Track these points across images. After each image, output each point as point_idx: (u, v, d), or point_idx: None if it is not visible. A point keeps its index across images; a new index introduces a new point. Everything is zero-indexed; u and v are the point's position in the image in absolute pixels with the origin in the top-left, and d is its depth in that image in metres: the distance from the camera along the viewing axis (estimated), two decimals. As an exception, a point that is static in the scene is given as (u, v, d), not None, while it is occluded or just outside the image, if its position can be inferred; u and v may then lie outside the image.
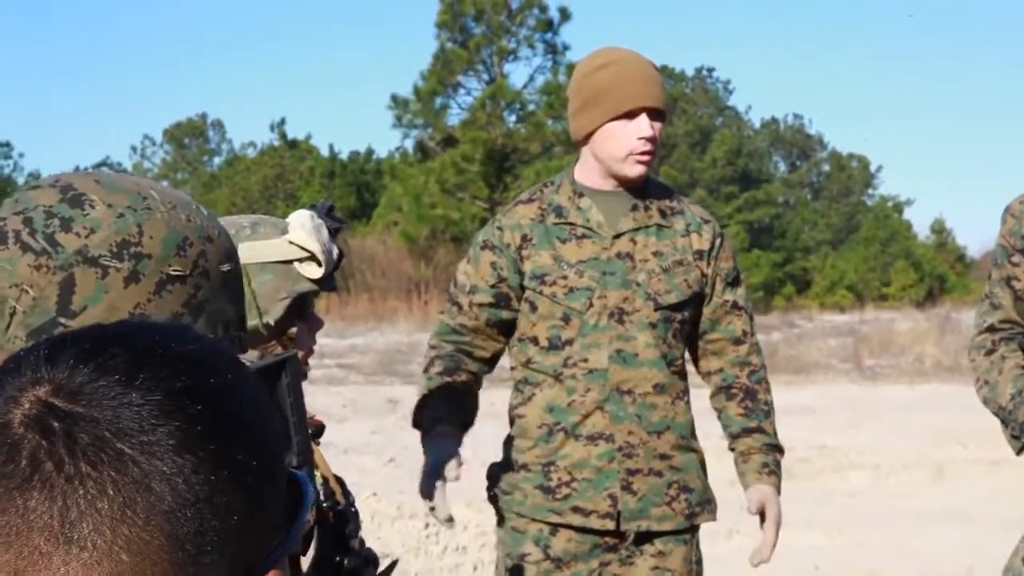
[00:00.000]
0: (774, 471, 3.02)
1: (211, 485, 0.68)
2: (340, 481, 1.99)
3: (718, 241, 3.05)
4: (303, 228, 2.04)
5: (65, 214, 1.14)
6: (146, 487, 0.66)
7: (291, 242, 2.04)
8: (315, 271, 2.04)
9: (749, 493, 3.00)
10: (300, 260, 2.04)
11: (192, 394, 0.70)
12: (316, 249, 2.03)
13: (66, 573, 0.65)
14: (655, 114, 2.91)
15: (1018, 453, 2.89)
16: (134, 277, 1.14)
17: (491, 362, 3.08)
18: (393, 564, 1.91)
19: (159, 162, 49.34)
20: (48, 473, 0.65)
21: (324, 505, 1.66)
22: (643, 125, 2.89)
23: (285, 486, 0.77)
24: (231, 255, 1.24)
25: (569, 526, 2.91)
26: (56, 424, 0.67)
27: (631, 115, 2.89)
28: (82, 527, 0.65)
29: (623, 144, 2.90)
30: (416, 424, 2.99)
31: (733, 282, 3.07)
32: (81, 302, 1.13)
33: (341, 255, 2.12)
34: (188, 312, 1.18)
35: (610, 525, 2.90)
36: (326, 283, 2.08)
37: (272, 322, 2.03)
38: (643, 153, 2.90)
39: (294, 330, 2.08)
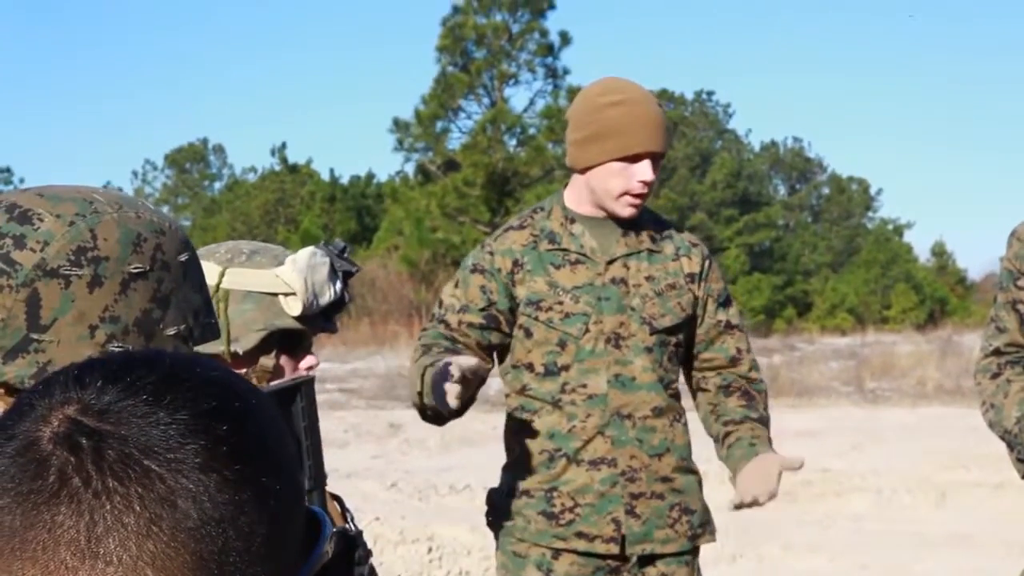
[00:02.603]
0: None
1: (235, 505, 0.68)
2: (338, 499, 1.98)
3: (707, 263, 3.09)
4: (294, 264, 2.02)
5: (16, 232, 1.15)
6: (172, 503, 0.66)
7: (277, 276, 2.03)
8: (297, 308, 2.03)
9: (763, 459, 2.93)
10: (285, 295, 2.03)
11: (218, 415, 0.70)
12: (298, 286, 2.00)
13: None
14: (656, 157, 2.94)
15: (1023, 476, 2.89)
16: (97, 281, 1.15)
17: None
18: None
19: (160, 187, 49.44)
20: (76, 488, 0.66)
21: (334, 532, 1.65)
22: (645, 170, 2.91)
23: (304, 516, 0.78)
24: (186, 244, 1.25)
25: (573, 551, 2.92)
26: (84, 441, 0.67)
27: (635, 157, 2.91)
28: (108, 542, 0.65)
29: (621, 184, 2.92)
30: (419, 399, 2.77)
31: (725, 302, 3.10)
32: (50, 315, 1.14)
33: (342, 299, 2.10)
34: (156, 306, 1.19)
35: (614, 549, 2.91)
36: (314, 323, 2.06)
37: (241, 351, 2.01)
38: (638, 195, 2.93)
39: (269, 363, 2.06)
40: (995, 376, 2.95)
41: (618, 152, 2.90)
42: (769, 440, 3.02)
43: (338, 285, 2.08)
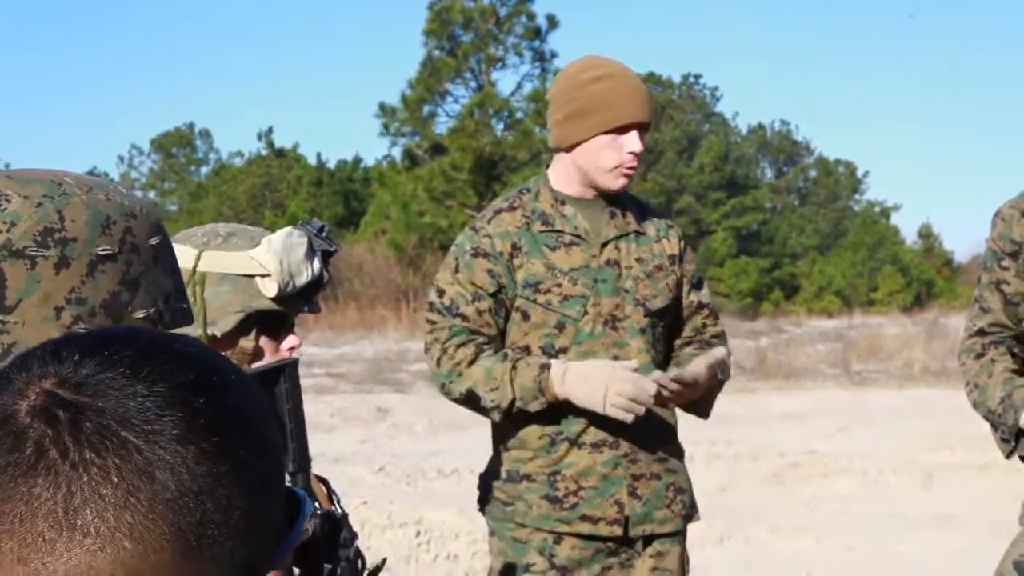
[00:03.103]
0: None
1: (213, 477, 0.68)
2: (324, 481, 1.97)
3: (682, 244, 3.13)
4: (270, 244, 2.01)
5: None
6: (149, 475, 0.66)
7: (252, 257, 2.02)
8: (273, 289, 2.02)
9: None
10: (262, 276, 2.02)
11: (195, 388, 0.70)
12: (272, 268, 1.99)
13: (69, 559, 0.65)
14: (643, 128, 2.94)
15: (1007, 456, 2.90)
16: (64, 263, 1.15)
17: None
18: (383, 562, 1.90)
19: (146, 172, 49.23)
20: (53, 460, 0.66)
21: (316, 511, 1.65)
22: (634, 140, 2.91)
23: (284, 492, 0.78)
24: (158, 228, 1.24)
25: (577, 534, 2.92)
26: (61, 413, 0.67)
27: (623, 129, 2.91)
28: (85, 513, 0.65)
29: (612, 157, 2.92)
30: (509, 405, 2.88)
31: (697, 284, 3.15)
32: (15, 295, 1.14)
33: (321, 277, 2.07)
34: (125, 288, 1.19)
35: (618, 531, 2.92)
36: (292, 303, 2.04)
37: (219, 334, 2.01)
38: (629, 167, 2.94)
39: (249, 344, 2.05)
40: (979, 356, 2.96)
41: (606, 125, 2.90)
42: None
43: (317, 265, 2.07)
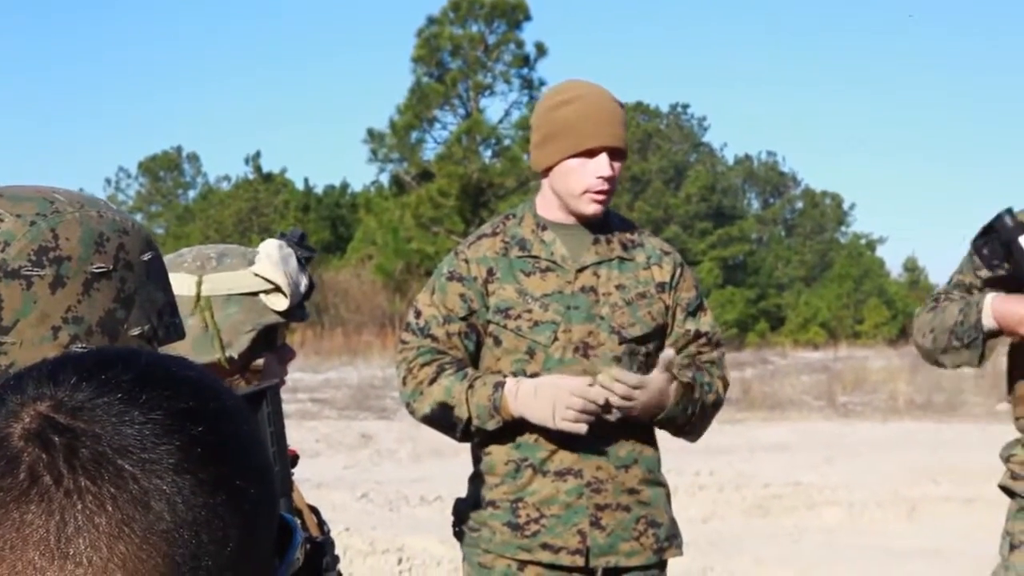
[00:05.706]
0: (689, 382, 2.92)
1: (209, 508, 0.67)
2: (315, 511, 1.97)
3: (678, 271, 3.06)
4: (269, 259, 2.01)
5: None
6: (145, 504, 0.65)
7: (256, 274, 2.02)
8: (282, 303, 2.01)
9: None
10: (266, 292, 2.03)
11: (193, 415, 0.69)
12: (281, 281, 2.00)
13: None
14: (615, 153, 2.93)
15: (979, 363, 2.94)
16: (59, 282, 1.14)
17: None
18: None
19: (133, 195, 49.20)
20: (47, 486, 0.65)
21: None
22: (603, 164, 2.90)
23: (277, 521, 0.76)
24: (149, 243, 1.23)
25: (538, 563, 2.90)
26: (57, 438, 0.66)
27: (591, 153, 2.90)
28: (78, 542, 0.64)
29: (581, 181, 2.91)
30: (467, 424, 2.90)
31: (694, 312, 3.06)
32: (11, 316, 1.12)
33: (311, 285, 2.10)
34: (120, 306, 1.18)
35: (579, 561, 2.89)
36: (294, 314, 2.06)
37: (236, 355, 2.00)
38: (600, 192, 2.92)
39: (260, 362, 2.05)
40: (932, 309, 3.05)
41: (572, 149, 2.90)
42: (687, 389, 2.93)
43: (307, 272, 2.09)
